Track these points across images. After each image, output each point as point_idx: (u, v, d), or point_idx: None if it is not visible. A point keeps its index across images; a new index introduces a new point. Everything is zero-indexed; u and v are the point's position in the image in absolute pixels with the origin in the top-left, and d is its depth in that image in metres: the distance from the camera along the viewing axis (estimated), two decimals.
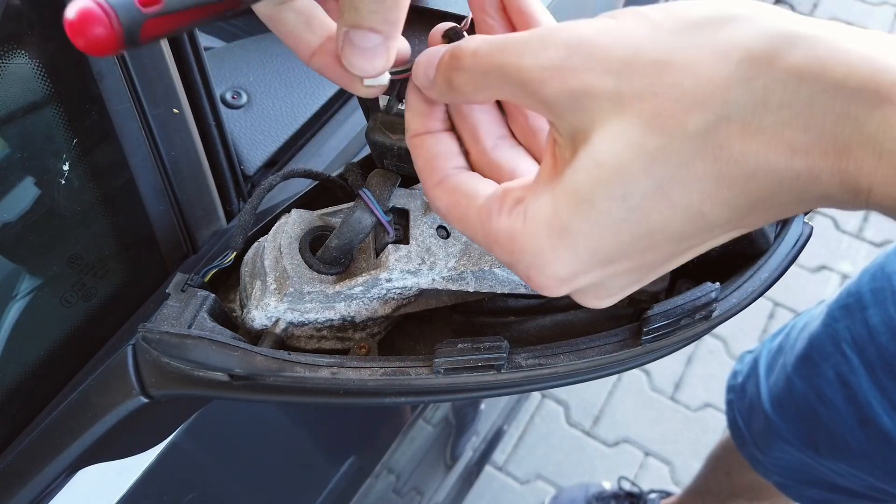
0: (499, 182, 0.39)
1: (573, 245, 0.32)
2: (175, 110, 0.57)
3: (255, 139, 0.75)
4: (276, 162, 0.76)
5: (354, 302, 0.53)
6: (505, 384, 0.49)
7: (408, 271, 0.51)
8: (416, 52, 0.46)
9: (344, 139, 0.78)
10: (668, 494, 1.79)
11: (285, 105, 0.79)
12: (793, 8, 2.75)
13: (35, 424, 0.56)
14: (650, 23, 0.31)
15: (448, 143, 0.40)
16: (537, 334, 0.58)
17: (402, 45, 0.42)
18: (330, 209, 0.56)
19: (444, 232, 0.53)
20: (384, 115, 0.49)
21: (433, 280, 0.52)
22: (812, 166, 0.28)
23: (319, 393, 0.49)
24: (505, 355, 0.47)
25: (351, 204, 0.52)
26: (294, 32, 0.40)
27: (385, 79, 0.40)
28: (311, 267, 0.52)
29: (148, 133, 0.56)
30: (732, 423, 1.26)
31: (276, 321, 0.52)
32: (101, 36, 0.30)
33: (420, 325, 0.60)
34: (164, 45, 0.55)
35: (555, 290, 0.34)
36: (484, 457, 1.59)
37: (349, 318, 0.54)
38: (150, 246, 0.62)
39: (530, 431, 2.00)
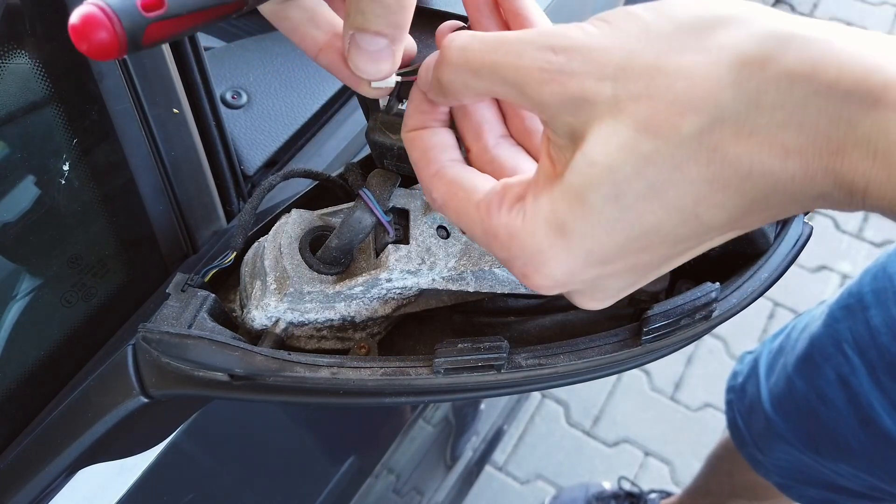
0: (497, 177, 0.39)
1: (569, 244, 0.32)
2: (175, 110, 0.57)
3: (255, 139, 0.75)
4: (276, 162, 0.76)
5: (354, 302, 0.53)
6: (505, 384, 0.49)
7: (408, 271, 0.51)
8: (420, 52, 0.46)
9: (344, 139, 0.78)
10: (668, 494, 1.79)
11: (285, 105, 0.79)
12: (793, 8, 2.75)
13: (35, 424, 0.56)
14: (644, 25, 0.31)
15: (444, 136, 0.40)
16: (537, 334, 0.58)
17: (408, 46, 0.42)
18: (330, 209, 0.56)
19: (444, 232, 0.53)
20: (384, 115, 0.49)
21: (433, 280, 0.52)
22: (807, 167, 0.28)
23: (319, 393, 0.49)
24: (505, 355, 0.47)
25: (351, 204, 0.52)
26: (299, 29, 0.40)
27: (392, 80, 0.40)
28: (311, 267, 0.52)
29: (148, 133, 0.56)
30: (732, 424, 1.26)
31: (276, 321, 0.52)
32: (105, 40, 0.30)
33: (420, 325, 0.60)
34: (165, 45, 0.55)
35: (550, 290, 0.34)
36: (484, 457, 1.59)
37: (349, 318, 0.54)
38: (150, 246, 0.62)
39: (530, 431, 2.00)
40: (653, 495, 1.80)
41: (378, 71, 0.38)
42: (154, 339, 0.49)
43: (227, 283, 0.58)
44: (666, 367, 2.09)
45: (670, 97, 0.29)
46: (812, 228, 0.54)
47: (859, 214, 2.36)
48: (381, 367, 0.49)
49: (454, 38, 0.34)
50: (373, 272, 0.51)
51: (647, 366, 2.07)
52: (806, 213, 0.54)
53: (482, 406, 1.39)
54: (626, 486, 1.83)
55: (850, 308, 1.02)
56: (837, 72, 0.27)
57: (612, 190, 0.30)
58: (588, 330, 0.53)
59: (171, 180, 0.60)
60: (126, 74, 0.53)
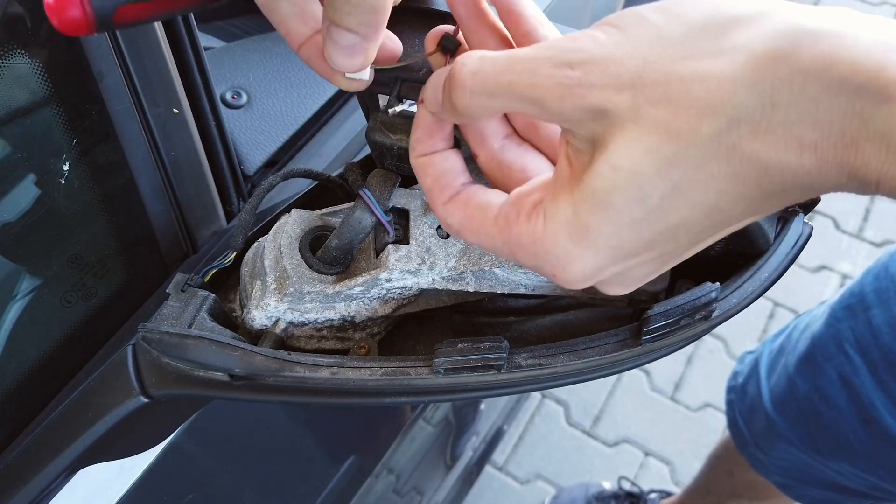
0: (509, 182, 0.40)
1: (595, 244, 0.33)
2: (175, 110, 0.57)
3: (255, 139, 0.75)
4: (276, 162, 0.76)
5: (354, 302, 0.53)
6: (505, 384, 0.49)
7: (408, 271, 0.51)
8: (412, 51, 0.46)
9: (344, 139, 0.78)
10: (668, 494, 1.79)
11: (285, 105, 0.79)
12: None
13: (35, 424, 0.56)
14: (655, 30, 0.31)
15: (454, 160, 0.40)
16: (537, 334, 0.58)
17: (393, 44, 0.42)
18: (330, 209, 0.56)
19: (444, 232, 0.53)
20: (384, 115, 0.49)
21: (433, 280, 0.52)
22: (822, 161, 0.29)
23: (319, 393, 0.49)
24: (505, 355, 0.47)
25: (351, 204, 0.52)
26: (286, 21, 0.41)
27: (366, 74, 0.41)
28: (311, 267, 0.52)
29: (148, 133, 0.56)
30: (733, 424, 1.26)
31: (276, 321, 0.52)
32: (75, 18, 0.32)
33: (420, 325, 0.60)
34: (164, 45, 0.55)
35: (580, 285, 0.35)
36: (484, 457, 1.59)
37: (349, 318, 0.54)
38: (150, 246, 0.62)
39: (530, 431, 2.00)
40: (653, 495, 1.80)
41: (350, 65, 0.39)
42: (154, 339, 0.49)
43: (227, 283, 0.58)
44: (666, 367, 2.09)
45: (688, 101, 0.30)
46: (812, 228, 0.54)
47: (859, 214, 2.36)
48: (381, 367, 0.49)
49: (464, 63, 0.34)
50: (373, 272, 0.51)
51: (647, 366, 2.07)
52: (806, 213, 0.54)
53: (482, 406, 1.39)
54: (626, 486, 1.83)
55: (852, 308, 1.02)
56: (850, 68, 0.27)
57: (637, 192, 0.31)
58: (588, 330, 0.53)
59: (171, 180, 0.60)
60: (126, 74, 0.53)
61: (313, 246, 0.53)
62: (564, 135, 0.34)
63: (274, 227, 0.54)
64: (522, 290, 0.55)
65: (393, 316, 0.56)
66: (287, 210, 0.55)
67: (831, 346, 1.04)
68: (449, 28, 0.43)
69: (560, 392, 2.06)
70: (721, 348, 2.12)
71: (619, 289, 0.37)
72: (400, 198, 0.53)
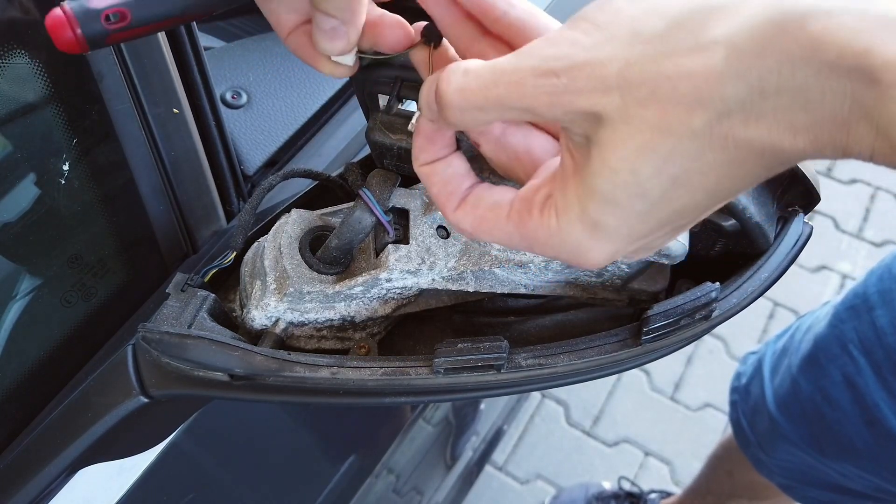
0: (516, 166, 0.41)
1: (606, 235, 0.34)
2: (175, 110, 0.57)
3: (255, 139, 0.75)
4: (276, 162, 0.76)
5: (354, 302, 0.53)
6: (505, 384, 0.49)
7: (408, 271, 0.51)
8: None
9: (344, 139, 0.78)
10: (668, 494, 1.79)
11: (285, 105, 0.79)
12: None
13: (35, 424, 0.56)
14: (633, 24, 0.31)
15: (457, 164, 0.41)
16: (537, 334, 0.58)
17: (391, 37, 0.43)
18: (330, 209, 0.56)
19: (444, 232, 0.53)
20: (384, 115, 0.49)
21: (433, 280, 0.52)
22: (815, 141, 0.29)
23: (319, 393, 0.49)
24: (505, 355, 0.47)
25: (351, 204, 0.52)
26: (276, 9, 0.43)
27: (349, 59, 0.43)
28: (311, 267, 0.52)
29: (148, 133, 0.56)
30: (736, 425, 1.26)
31: (276, 321, 0.52)
32: (68, 39, 0.36)
33: (420, 325, 0.60)
34: (165, 45, 0.55)
35: (602, 266, 0.36)
36: (484, 457, 1.59)
37: (349, 318, 0.54)
38: (150, 246, 0.62)
39: (530, 431, 2.00)
40: (653, 495, 1.80)
41: (332, 48, 0.41)
42: (154, 339, 0.49)
43: (227, 283, 0.58)
44: (666, 367, 2.09)
45: (676, 98, 0.30)
46: (812, 228, 0.54)
47: (859, 214, 2.36)
48: (381, 367, 0.49)
49: (449, 81, 0.35)
50: (373, 272, 0.51)
51: (647, 366, 2.07)
52: (806, 213, 0.54)
53: (482, 406, 1.39)
54: (626, 486, 1.83)
55: (856, 309, 1.02)
56: (838, 51, 0.27)
57: (638, 189, 0.32)
58: (588, 330, 0.53)
59: (171, 180, 0.60)
60: (126, 74, 0.53)
61: (313, 246, 0.53)
62: (563, 131, 0.35)
63: (274, 227, 0.54)
64: (522, 290, 0.55)
65: (393, 316, 0.56)
66: (287, 210, 0.55)
67: (835, 347, 1.03)
68: (415, 29, 0.43)
69: (560, 392, 2.06)
70: (721, 348, 2.12)
71: (638, 256, 0.38)
72: (400, 198, 0.53)
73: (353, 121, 0.79)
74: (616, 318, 0.57)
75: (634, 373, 2.08)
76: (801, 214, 0.53)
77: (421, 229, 0.52)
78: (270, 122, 0.77)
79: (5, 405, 0.56)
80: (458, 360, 0.47)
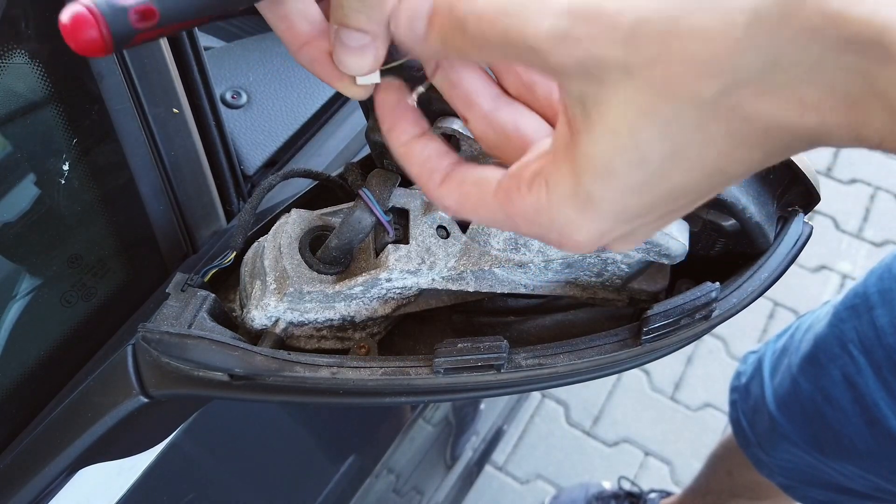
0: (504, 143, 0.39)
1: (598, 210, 0.32)
2: (175, 110, 0.57)
3: (255, 139, 0.75)
4: (276, 162, 0.76)
5: (354, 302, 0.53)
6: (505, 384, 0.49)
7: (407, 271, 0.51)
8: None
9: (344, 139, 0.78)
10: (668, 494, 1.79)
11: (285, 105, 0.79)
12: None
13: (35, 424, 0.56)
14: None
15: (436, 143, 0.39)
16: (537, 334, 0.58)
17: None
18: (330, 209, 0.56)
19: (443, 232, 0.53)
20: None
21: (433, 280, 0.52)
22: (823, 121, 0.28)
23: (319, 393, 0.49)
24: (505, 355, 0.47)
25: (351, 204, 0.52)
26: (287, 18, 0.39)
27: (376, 77, 0.39)
28: (311, 267, 0.52)
29: (148, 133, 0.56)
30: (736, 424, 1.26)
31: (276, 321, 0.52)
32: (93, 40, 0.31)
33: (420, 325, 0.60)
34: (164, 45, 0.55)
35: (586, 250, 0.35)
36: (484, 457, 1.59)
37: (349, 318, 0.54)
38: (150, 246, 0.62)
39: (530, 431, 2.00)
40: (653, 495, 1.80)
41: (361, 66, 0.37)
42: (154, 338, 0.49)
43: (226, 283, 0.58)
44: (666, 367, 2.09)
45: (687, 60, 0.29)
46: (812, 228, 0.54)
47: (859, 214, 2.36)
48: (381, 367, 0.49)
49: (470, 1, 0.32)
50: (373, 272, 0.51)
51: (647, 366, 2.07)
52: (806, 213, 0.54)
53: (482, 406, 1.39)
54: (626, 486, 1.83)
55: (856, 308, 1.01)
56: (856, 27, 0.27)
57: (636, 155, 0.30)
58: (588, 330, 0.53)
59: (171, 180, 0.60)
60: (126, 74, 0.53)
61: (313, 246, 0.53)
62: (562, 97, 0.33)
63: (274, 227, 0.54)
64: (522, 290, 0.55)
65: (393, 316, 0.56)
66: (287, 210, 0.55)
67: (835, 347, 1.03)
68: None
69: (560, 392, 2.06)
70: (721, 348, 2.12)
71: (622, 246, 0.37)
72: (400, 198, 0.53)
73: (353, 121, 0.79)
74: (616, 318, 0.57)
75: (634, 373, 2.08)
76: (801, 214, 0.53)
77: (421, 229, 0.52)
78: (270, 122, 0.77)
79: (5, 405, 0.55)
80: (458, 360, 0.47)
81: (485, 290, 0.54)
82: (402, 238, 0.52)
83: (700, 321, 0.49)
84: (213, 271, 0.54)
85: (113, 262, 0.60)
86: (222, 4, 0.35)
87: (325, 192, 0.59)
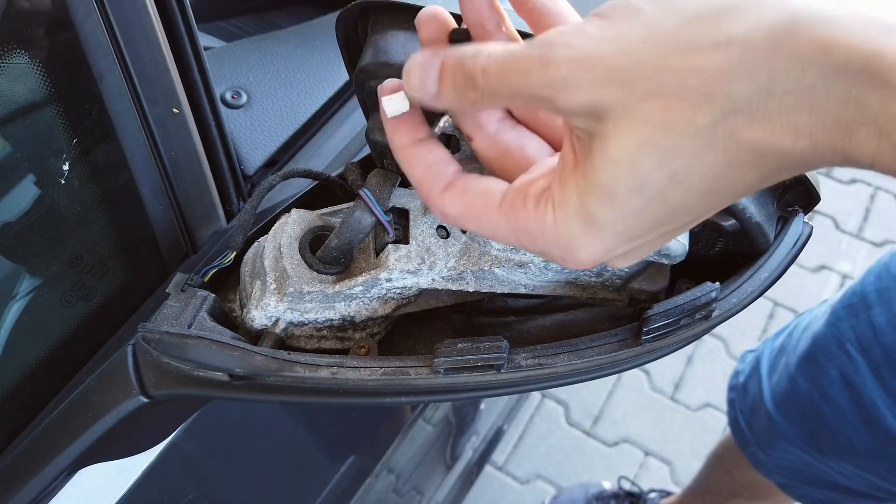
0: (508, 163, 0.40)
1: (601, 231, 0.34)
2: (175, 110, 0.57)
3: (255, 139, 0.75)
4: (276, 162, 0.76)
5: (354, 302, 0.53)
6: (505, 384, 0.49)
7: (407, 271, 0.51)
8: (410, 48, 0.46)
9: (344, 139, 0.78)
10: (668, 494, 1.79)
11: (285, 105, 0.79)
12: None
13: (35, 424, 0.56)
14: (647, 22, 0.31)
15: (440, 150, 0.40)
16: (537, 334, 0.58)
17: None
18: (330, 209, 0.56)
19: (443, 232, 0.53)
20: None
21: (433, 280, 0.52)
22: (816, 145, 0.29)
23: (319, 393, 0.49)
24: (505, 355, 0.47)
25: (351, 204, 0.52)
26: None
27: (406, 106, 0.40)
28: (310, 267, 0.52)
29: (148, 133, 0.56)
30: (734, 423, 1.26)
31: (276, 321, 0.52)
32: None
33: (420, 325, 0.60)
34: (164, 45, 0.55)
35: (588, 266, 0.36)
36: (484, 457, 1.59)
37: (349, 318, 0.54)
38: (150, 246, 0.62)
39: (530, 431, 2.00)
40: (653, 495, 1.80)
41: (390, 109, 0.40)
42: (154, 338, 0.49)
43: (226, 283, 0.58)
44: (666, 367, 2.09)
45: (682, 93, 0.30)
46: (812, 228, 0.54)
47: (859, 214, 2.36)
48: (381, 367, 0.49)
49: (476, 59, 0.34)
50: (373, 272, 0.51)
51: (647, 366, 2.07)
52: (806, 213, 0.54)
53: (482, 406, 1.39)
54: (626, 486, 1.83)
55: (854, 307, 1.02)
56: (847, 54, 0.28)
57: (637, 183, 0.32)
58: (588, 330, 0.53)
59: (171, 180, 0.60)
60: (126, 74, 0.53)
61: (313, 246, 0.53)
62: (566, 124, 0.35)
63: (274, 227, 0.54)
64: (522, 290, 0.55)
65: (393, 316, 0.56)
66: (287, 210, 0.55)
67: (833, 346, 1.03)
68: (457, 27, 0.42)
69: (560, 392, 2.06)
70: (721, 348, 2.12)
71: (622, 263, 0.38)
72: (400, 198, 0.53)
73: (353, 121, 0.79)
74: (616, 318, 0.57)
75: (634, 373, 2.08)
76: (801, 214, 0.53)
77: (421, 229, 0.52)
78: (270, 122, 0.77)
79: (5, 405, 0.55)
80: (458, 360, 0.47)
81: (485, 290, 0.54)
82: (402, 238, 0.52)
83: (700, 321, 0.49)
84: (213, 271, 0.54)
85: (113, 262, 0.60)
86: None
87: (325, 192, 0.59)
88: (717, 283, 0.49)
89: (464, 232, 0.53)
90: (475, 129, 0.41)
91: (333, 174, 0.59)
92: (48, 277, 0.57)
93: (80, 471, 0.55)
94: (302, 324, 0.53)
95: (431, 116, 0.45)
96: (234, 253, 0.54)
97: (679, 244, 0.51)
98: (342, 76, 0.82)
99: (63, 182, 0.53)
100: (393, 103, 0.39)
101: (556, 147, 0.41)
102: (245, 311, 0.53)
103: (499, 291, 0.54)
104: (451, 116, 0.41)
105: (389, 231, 0.51)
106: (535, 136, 0.41)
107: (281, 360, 0.48)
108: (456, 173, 0.39)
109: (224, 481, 0.75)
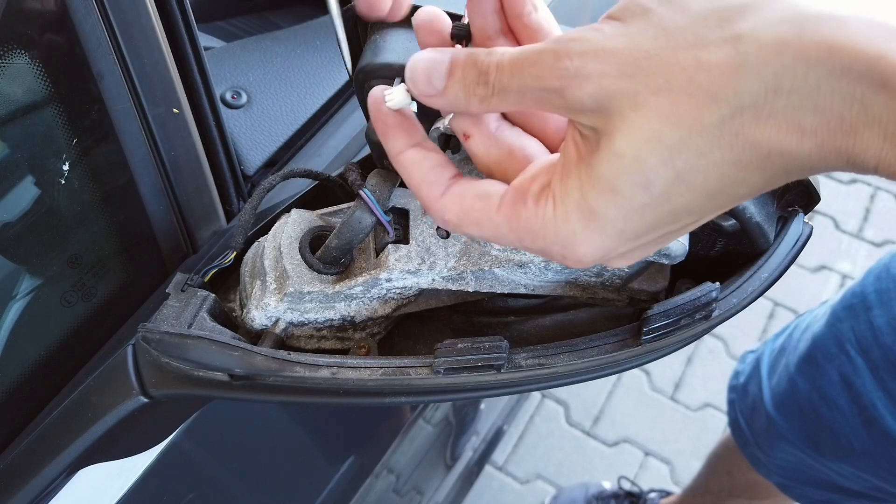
0: (507, 162, 0.39)
1: (602, 227, 0.33)
2: (175, 110, 0.57)
3: (255, 139, 0.75)
4: (276, 162, 0.76)
5: (354, 302, 0.53)
6: (505, 384, 0.49)
7: (408, 271, 0.51)
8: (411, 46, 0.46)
9: (344, 139, 0.78)
10: (667, 494, 1.79)
11: (285, 105, 0.79)
12: None
13: (35, 424, 0.56)
14: (659, 21, 0.31)
15: (436, 154, 0.40)
16: (537, 334, 0.58)
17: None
18: (330, 209, 0.56)
19: (444, 232, 0.53)
20: None
21: (433, 280, 0.52)
22: (821, 146, 0.29)
23: (319, 393, 0.49)
24: (505, 355, 0.47)
25: (351, 204, 0.52)
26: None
27: (407, 102, 0.40)
28: (311, 267, 0.52)
29: (148, 133, 0.56)
30: (734, 424, 1.26)
31: (276, 321, 0.52)
32: None
33: (420, 325, 0.60)
34: (164, 45, 0.55)
35: (587, 265, 0.36)
36: (484, 457, 1.59)
37: (349, 318, 0.54)
38: (150, 246, 0.62)
39: (530, 431, 2.00)
40: (652, 494, 1.80)
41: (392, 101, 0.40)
42: (154, 338, 0.49)
43: (226, 283, 0.58)
44: (666, 367, 2.09)
45: (691, 90, 0.30)
46: (812, 228, 0.54)
47: (859, 214, 2.36)
48: (381, 367, 0.49)
49: (490, 56, 0.35)
50: (373, 272, 0.51)
51: (647, 366, 2.07)
52: (806, 213, 0.54)
53: (482, 406, 1.39)
54: (626, 486, 1.83)
55: (853, 308, 1.02)
56: (852, 55, 0.28)
57: (641, 179, 0.32)
58: (588, 330, 0.53)
59: (171, 180, 0.60)
60: (126, 74, 0.53)
61: (313, 246, 0.53)
62: (570, 121, 0.35)
63: (274, 227, 0.54)
64: (522, 290, 0.55)
65: (393, 316, 0.56)
66: (287, 210, 0.55)
67: (832, 347, 1.03)
68: (458, 23, 0.42)
69: (560, 392, 2.06)
70: (721, 348, 2.12)
71: (622, 262, 0.38)
72: (400, 198, 0.53)
73: (353, 121, 0.79)
74: (616, 318, 0.57)
75: (634, 373, 2.08)
76: (801, 214, 0.53)
77: (421, 229, 0.52)
78: (270, 122, 0.77)
79: (5, 405, 0.55)
80: (458, 360, 0.47)
81: (485, 290, 0.54)
82: (402, 238, 0.52)
83: (700, 321, 0.49)
84: (213, 271, 0.54)
85: (113, 262, 0.60)
86: None
87: (325, 192, 0.59)
88: (717, 283, 0.49)
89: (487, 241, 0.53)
90: (474, 127, 0.40)
91: (333, 174, 0.59)
92: (48, 277, 0.57)
93: (80, 471, 0.55)
94: (302, 324, 0.53)
95: (428, 115, 0.45)
96: (234, 253, 0.54)
97: (679, 244, 0.51)
98: (342, 76, 0.82)
99: (63, 182, 0.53)
100: (396, 96, 0.39)
101: (551, 149, 0.41)
102: (245, 311, 0.53)
103: (499, 291, 0.54)
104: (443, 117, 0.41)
105: (389, 231, 0.51)
106: (533, 138, 0.41)
107: (281, 360, 0.48)
108: (452, 177, 0.39)
109: (224, 481, 0.75)
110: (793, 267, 0.53)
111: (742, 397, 1.23)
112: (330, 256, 0.52)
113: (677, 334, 0.49)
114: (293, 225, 0.53)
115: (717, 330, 2.12)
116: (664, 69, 0.30)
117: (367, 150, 0.55)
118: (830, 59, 0.28)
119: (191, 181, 0.62)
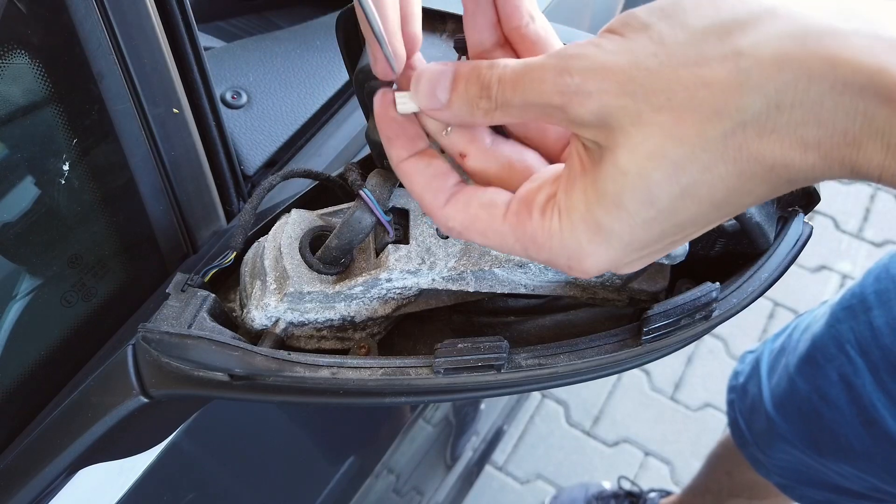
0: (506, 175, 0.39)
1: (608, 241, 0.34)
2: (175, 110, 0.57)
3: (255, 139, 0.75)
4: (276, 162, 0.76)
5: (354, 302, 0.53)
6: (505, 384, 0.49)
7: (408, 271, 0.51)
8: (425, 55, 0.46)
9: (344, 139, 0.78)
10: (667, 494, 1.79)
11: (285, 105, 0.79)
12: None
13: (35, 424, 0.56)
14: (658, 38, 0.31)
15: (440, 162, 0.40)
16: (537, 334, 0.58)
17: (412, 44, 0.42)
18: (330, 209, 0.56)
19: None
20: None
21: (433, 280, 0.52)
22: (825, 158, 0.30)
23: (319, 393, 0.49)
24: (505, 355, 0.47)
25: (351, 204, 0.52)
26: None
27: (414, 107, 0.39)
28: (311, 267, 0.52)
29: (148, 133, 0.56)
30: (734, 424, 1.26)
31: (276, 321, 0.52)
32: None
33: (420, 325, 0.60)
34: (164, 45, 0.55)
35: (593, 275, 0.36)
36: (484, 457, 1.59)
37: (349, 318, 0.54)
38: (150, 246, 0.62)
39: (530, 431, 2.00)
40: (652, 494, 1.80)
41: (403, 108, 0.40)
42: (154, 338, 0.49)
43: (227, 283, 0.58)
44: (666, 367, 2.09)
45: (693, 106, 0.30)
46: (812, 228, 0.54)
47: (859, 214, 2.36)
48: (381, 367, 0.49)
49: (492, 69, 0.35)
50: (373, 272, 0.51)
51: (647, 366, 2.07)
52: (806, 213, 0.54)
53: (482, 406, 1.39)
54: (626, 486, 1.83)
55: (853, 309, 1.02)
56: (854, 68, 0.28)
57: (646, 195, 0.32)
58: (588, 330, 0.53)
59: (171, 180, 0.60)
60: (126, 74, 0.53)
61: (313, 246, 0.53)
62: (573, 134, 0.35)
63: (274, 227, 0.54)
64: (522, 290, 0.55)
65: (393, 316, 0.56)
66: (287, 210, 0.55)
67: (832, 347, 1.04)
68: (460, 36, 0.43)
69: (560, 392, 2.06)
70: (721, 348, 2.12)
71: (628, 271, 0.38)
72: (400, 198, 0.53)
73: (353, 121, 0.79)
74: (616, 318, 0.57)
75: (634, 373, 2.08)
76: (801, 214, 0.53)
77: (421, 229, 0.52)
78: (270, 122, 0.77)
79: (5, 405, 0.55)
80: (458, 360, 0.47)
81: (485, 290, 0.54)
82: (403, 238, 0.52)
83: (700, 321, 0.49)
84: (214, 271, 0.54)
85: (113, 262, 0.60)
86: None
87: (325, 192, 0.59)
88: (717, 283, 0.49)
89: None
90: (470, 145, 0.40)
91: (333, 174, 0.59)
92: (48, 277, 0.57)
93: (80, 471, 0.55)
94: (302, 324, 0.53)
95: None
96: (235, 253, 0.54)
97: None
98: (342, 76, 0.82)
99: (63, 182, 0.53)
100: (405, 98, 0.39)
101: (551, 158, 0.41)
102: (245, 311, 0.53)
103: (499, 291, 0.54)
104: (437, 138, 0.41)
105: (389, 231, 0.51)
106: (530, 149, 0.41)
107: (281, 360, 0.48)
108: (457, 185, 0.39)
109: (224, 481, 0.75)
110: (793, 267, 0.53)
111: (742, 397, 1.23)
112: (330, 256, 0.52)
113: (677, 334, 0.49)
114: (293, 225, 0.53)
115: (717, 330, 2.12)
116: (665, 86, 0.30)
117: (367, 150, 0.55)
118: (832, 73, 0.28)
119: (191, 181, 0.62)
